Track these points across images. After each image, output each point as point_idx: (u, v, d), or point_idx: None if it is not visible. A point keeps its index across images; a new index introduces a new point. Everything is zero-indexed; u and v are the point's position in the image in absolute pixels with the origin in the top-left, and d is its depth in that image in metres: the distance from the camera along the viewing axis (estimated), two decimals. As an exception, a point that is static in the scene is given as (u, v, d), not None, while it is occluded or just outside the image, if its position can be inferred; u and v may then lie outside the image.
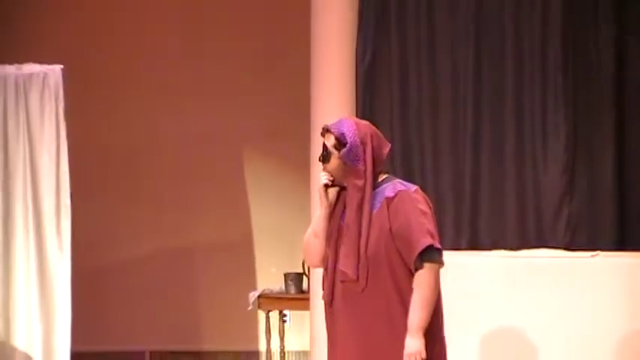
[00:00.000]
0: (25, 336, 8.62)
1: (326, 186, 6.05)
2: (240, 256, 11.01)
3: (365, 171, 6.02)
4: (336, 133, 6.06)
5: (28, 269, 8.62)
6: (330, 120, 8.73)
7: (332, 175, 6.06)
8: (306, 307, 9.22)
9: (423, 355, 5.92)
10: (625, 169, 8.54)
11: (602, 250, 8.24)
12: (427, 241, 5.86)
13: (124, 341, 10.98)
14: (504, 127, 8.66)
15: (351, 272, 5.91)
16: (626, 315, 7.77)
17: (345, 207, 6.04)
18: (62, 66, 8.75)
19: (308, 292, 9.34)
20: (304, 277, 9.84)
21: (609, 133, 8.54)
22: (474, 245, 8.54)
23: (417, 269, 5.90)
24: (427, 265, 5.90)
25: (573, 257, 8.09)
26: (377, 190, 6.02)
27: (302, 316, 9.67)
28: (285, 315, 10.27)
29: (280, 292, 10.14)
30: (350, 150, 6.03)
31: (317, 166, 8.86)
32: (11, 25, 10.90)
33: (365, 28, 8.84)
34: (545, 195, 8.60)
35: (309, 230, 6.14)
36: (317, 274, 8.29)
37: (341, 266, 5.95)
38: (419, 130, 8.73)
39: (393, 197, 5.98)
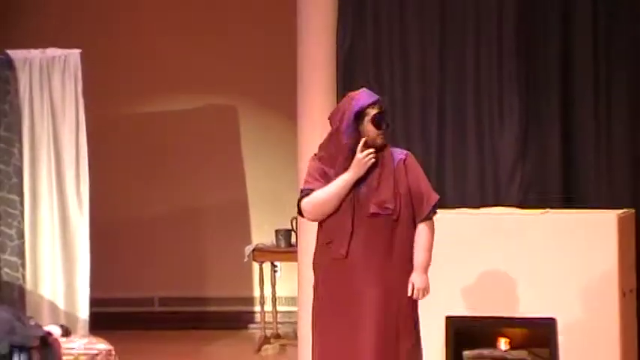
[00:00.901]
0: (50, 285, 8.65)
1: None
2: (237, 215, 11.02)
3: None
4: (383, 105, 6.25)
5: (53, 227, 8.65)
6: (316, 93, 8.83)
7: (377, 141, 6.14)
8: (295, 259, 9.22)
9: (429, 290, 6.06)
10: (570, 138, 8.52)
11: (551, 208, 8.25)
12: (436, 196, 6.25)
13: (137, 288, 11.00)
14: (466, 105, 8.63)
15: (391, 205, 6.06)
16: (571, 262, 7.79)
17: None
18: (80, 50, 8.73)
19: (296, 245, 9.36)
20: (293, 232, 9.85)
21: (556, 107, 8.51)
22: (442, 205, 8.55)
23: (427, 218, 6.18)
24: (432, 216, 6.21)
25: (526, 214, 8.10)
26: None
27: (291, 267, 9.66)
28: (276, 266, 10.27)
29: (272, 246, 10.14)
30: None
31: (304, 136, 8.94)
32: (34, 12, 10.86)
33: (343, 19, 8.82)
34: (501, 161, 8.58)
35: (323, 192, 6.11)
36: (305, 230, 8.32)
37: (378, 203, 6.05)
38: (392, 106, 8.71)
39: (405, 158, 6.20)
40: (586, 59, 8.44)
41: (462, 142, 8.66)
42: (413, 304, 6.19)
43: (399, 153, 6.28)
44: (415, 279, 6.16)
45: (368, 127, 6.15)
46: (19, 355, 3.38)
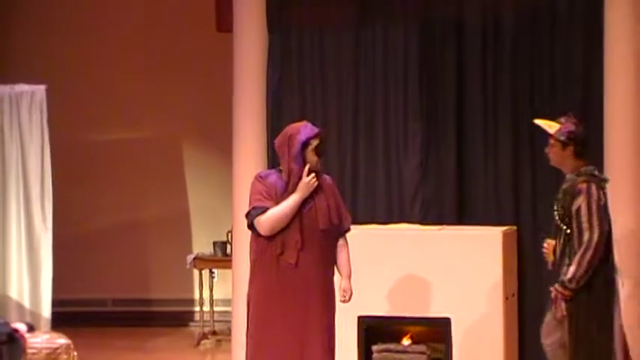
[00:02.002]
0: (17, 287, 8.55)
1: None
2: (180, 228, 10.96)
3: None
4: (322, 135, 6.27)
5: (20, 238, 8.56)
6: (247, 124, 8.81)
7: (317, 167, 6.21)
8: (229, 267, 9.19)
9: (350, 293, 6.32)
10: (463, 165, 8.56)
11: (446, 224, 8.30)
12: (350, 218, 6.43)
13: (92, 290, 10.90)
14: (376, 134, 8.64)
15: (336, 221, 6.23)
16: (463, 271, 7.84)
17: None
18: (45, 86, 8.66)
19: (231, 255, 9.33)
20: (228, 244, 9.82)
21: (452, 138, 8.53)
22: (354, 221, 8.55)
23: (345, 233, 6.31)
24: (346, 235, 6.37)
25: (426, 230, 8.15)
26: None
27: (226, 273, 9.64)
28: (213, 272, 10.23)
29: (210, 256, 10.08)
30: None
31: (238, 158, 8.91)
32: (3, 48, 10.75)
33: (273, 60, 8.82)
34: (406, 183, 8.59)
35: (278, 210, 6.12)
36: (238, 242, 8.29)
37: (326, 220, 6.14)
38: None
39: (332, 183, 6.34)
40: (477, 100, 8.47)
41: (373, 166, 8.67)
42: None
43: (327, 178, 6.34)
44: (347, 286, 6.26)
45: (310, 156, 6.17)
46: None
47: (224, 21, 9.27)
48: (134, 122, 10.99)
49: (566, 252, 6.26)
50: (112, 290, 10.94)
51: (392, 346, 7.92)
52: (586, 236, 6.10)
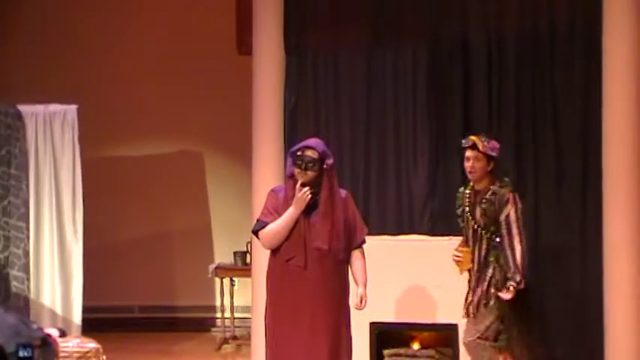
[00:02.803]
0: (49, 295, 8.55)
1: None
2: (202, 239, 10.97)
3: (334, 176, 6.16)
4: (319, 149, 6.08)
5: (53, 248, 8.56)
6: (265, 140, 8.84)
7: (311, 181, 6.03)
8: (249, 275, 9.21)
9: (365, 300, 6.26)
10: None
11: (454, 235, 8.30)
12: (366, 229, 6.34)
13: (121, 298, 10.90)
14: (387, 150, 8.66)
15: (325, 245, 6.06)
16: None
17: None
18: (77, 105, 8.70)
19: (250, 264, 9.35)
20: (248, 254, 9.84)
21: (459, 153, 8.57)
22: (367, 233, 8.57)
23: (359, 246, 6.22)
24: (363, 246, 6.31)
25: (434, 241, 8.16)
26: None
27: (246, 282, 9.66)
28: (234, 281, 10.24)
29: (230, 265, 10.11)
30: (333, 162, 6.08)
31: (258, 176, 8.95)
32: (40, 69, 10.81)
33: (290, 81, 8.86)
34: (415, 197, 8.59)
35: (275, 225, 6.10)
36: (257, 252, 8.33)
37: (318, 243, 6.04)
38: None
39: (345, 197, 6.20)
40: (482, 116, 8.48)
41: (384, 182, 8.67)
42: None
43: (343, 193, 6.30)
44: (362, 293, 6.22)
45: (300, 174, 6.14)
46: (24, 350, 3.38)
47: (244, 44, 9.32)
48: (159, 139, 11.03)
49: (489, 258, 6.40)
50: (138, 297, 10.95)
51: (402, 350, 7.92)
52: (517, 239, 6.43)
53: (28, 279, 8.42)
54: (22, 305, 8.32)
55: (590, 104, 8.21)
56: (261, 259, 7.75)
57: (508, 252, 6.45)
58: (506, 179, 6.75)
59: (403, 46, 8.62)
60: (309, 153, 6.11)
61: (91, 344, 7.46)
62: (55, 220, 8.55)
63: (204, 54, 10.71)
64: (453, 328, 7.73)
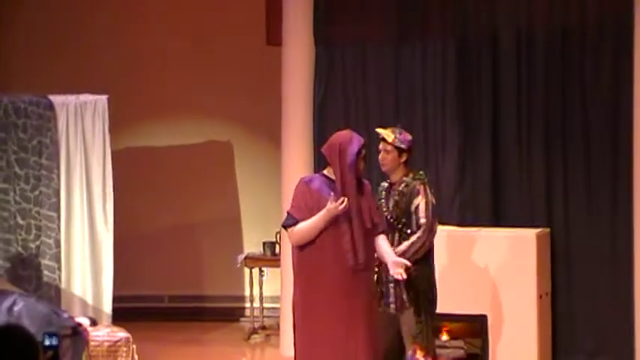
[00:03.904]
0: (80, 284, 8.56)
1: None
2: (232, 229, 10.96)
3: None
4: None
5: (83, 238, 8.57)
6: (294, 130, 8.84)
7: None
8: (278, 265, 9.24)
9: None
10: (498, 171, 8.55)
11: (483, 226, 8.27)
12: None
13: (150, 287, 10.91)
14: (415, 142, 8.62)
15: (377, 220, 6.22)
16: (499, 270, 7.81)
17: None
18: (107, 95, 8.70)
19: (279, 254, 9.35)
20: (277, 244, 9.83)
21: (487, 144, 8.53)
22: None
23: (381, 233, 6.25)
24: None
25: (464, 231, 8.13)
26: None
27: (275, 272, 9.66)
28: (262, 271, 10.22)
29: (260, 255, 10.07)
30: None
31: (287, 166, 8.94)
32: (70, 60, 10.83)
33: (319, 72, 8.85)
34: (444, 188, 8.58)
35: (306, 226, 6.08)
36: (286, 242, 8.27)
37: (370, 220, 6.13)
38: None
39: (369, 189, 6.31)
40: (511, 106, 8.47)
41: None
42: None
43: (366, 183, 6.31)
44: (399, 261, 6.20)
45: (360, 164, 6.15)
46: (50, 338, 3.37)
47: (274, 35, 9.31)
48: (188, 129, 11.02)
49: None
50: (168, 287, 10.96)
51: (431, 341, 7.89)
52: (423, 226, 6.50)
53: (59, 268, 8.44)
54: (53, 294, 8.34)
55: (620, 101, 8.14)
56: (290, 250, 7.72)
57: (415, 234, 6.46)
58: (421, 172, 6.70)
59: (431, 39, 8.60)
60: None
61: (121, 333, 7.48)
62: (85, 210, 8.55)
63: (234, 44, 10.69)
64: (483, 319, 7.71)
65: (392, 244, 6.45)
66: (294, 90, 8.88)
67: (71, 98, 8.61)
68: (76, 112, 8.58)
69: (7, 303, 7.20)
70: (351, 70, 8.79)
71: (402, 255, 6.38)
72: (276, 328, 9.70)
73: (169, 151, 11.05)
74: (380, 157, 6.68)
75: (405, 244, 6.49)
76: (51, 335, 3.57)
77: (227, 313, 10.73)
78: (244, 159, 11.08)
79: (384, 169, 6.69)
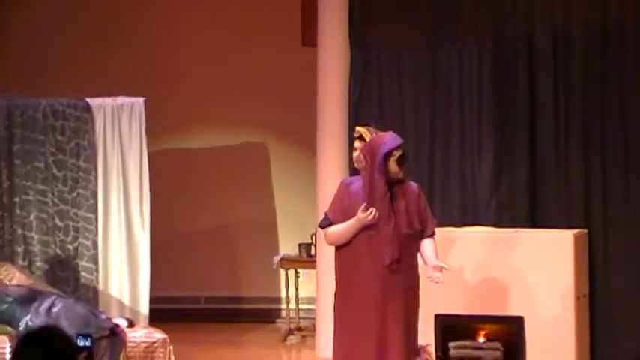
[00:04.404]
0: (118, 286, 8.56)
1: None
2: (268, 231, 10.95)
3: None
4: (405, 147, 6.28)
5: (121, 240, 8.57)
6: (330, 132, 8.84)
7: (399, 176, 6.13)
8: (313, 267, 9.23)
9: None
10: (534, 172, 8.50)
11: (519, 227, 8.22)
12: (436, 222, 6.32)
13: (187, 289, 10.93)
14: (451, 143, 8.63)
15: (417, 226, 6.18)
16: (536, 272, 7.76)
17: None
18: (144, 98, 8.72)
19: (315, 256, 9.34)
20: (312, 246, 9.82)
21: (524, 147, 8.49)
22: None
23: (431, 236, 6.22)
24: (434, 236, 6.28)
25: (500, 232, 8.09)
26: (405, 184, 6.16)
27: (310, 273, 9.65)
28: (298, 272, 10.19)
29: (295, 256, 10.05)
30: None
31: (322, 168, 8.93)
32: (107, 62, 10.88)
33: (354, 74, 8.83)
34: (480, 189, 8.55)
35: (339, 231, 6.11)
36: (323, 245, 8.28)
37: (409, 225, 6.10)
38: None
39: (418, 192, 6.28)
40: (548, 108, 8.42)
41: (448, 175, 8.63)
42: None
43: (412, 185, 6.28)
44: (436, 264, 6.18)
45: (392, 166, 6.12)
46: (84, 339, 3.39)
47: (309, 36, 9.31)
48: (224, 131, 11.04)
49: None
50: (204, 288, 10.98)
51: (467, 342, 7.87)
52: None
53: (97, 270, 8.46)
54: (91, 296, 8.36)
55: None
56: (325, 251, 7.74)
57: None
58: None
59: (467, 41, 8.57)
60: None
61: (158, 334, 7.51)
62: (122, 212, 8.57)
63: (269, 46, 10.70)
64: (520, 320, 7.66)
65: None
66: (329, 92, 8.88)
67: (108, 100, 8.63)
68: (113, 115, 8.59)
69: (46, 304, 7.25)
70: (387, 73, 8.77)
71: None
72: (312, 330, 9.69)
73: (205, 153, 11.07)
74: (355, 155, 6.60)
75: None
76: (85, 336, 3.59)
77: (263, 315, 10.73)
78: (280, 160, 11.08)
79: (359, 167, 6.61)
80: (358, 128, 6.73)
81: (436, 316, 7.77)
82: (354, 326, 6.11)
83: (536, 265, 7.72)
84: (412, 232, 6.14)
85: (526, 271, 7.73)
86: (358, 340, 6.09)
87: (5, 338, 7.21)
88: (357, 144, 6.62)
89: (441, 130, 8.61)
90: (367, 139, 6.51)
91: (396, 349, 6.04)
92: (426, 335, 7.59)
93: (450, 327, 7.85)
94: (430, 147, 8.66)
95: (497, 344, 7.81)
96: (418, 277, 6.27)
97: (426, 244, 6.25)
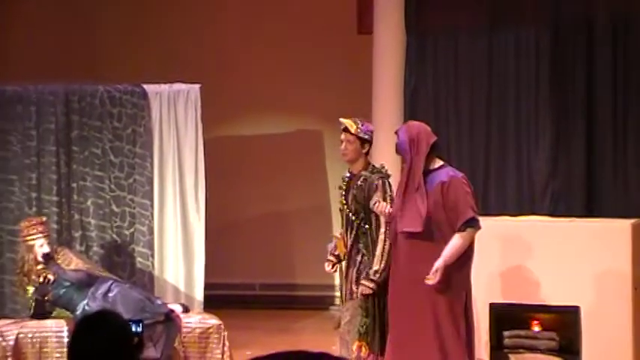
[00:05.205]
0: (173, 271, 8.62)
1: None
2: (321, 218, 10.96)
3: (410, 159, 5.96)
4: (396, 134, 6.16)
5: (176, 226, 8.63)
6: (385, 120, 8.81)
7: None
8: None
9: (439, 275, 5.91)
10: (592, 159, 8.42)
11: (576, 216, 8.15)
12: (470, 214, 5.93)
13: (242, 275, 10.99)
14: (507, 130, 8.58)
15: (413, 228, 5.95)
16: (592, 261, 7.68)
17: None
18: (200, 85, 8.75)
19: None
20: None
21: (582, 133, 8.42)
22: (486, 212, 8.47)
23: (459, 231, 5.93)
24: (468, 230, 5.95)
25: (556, 222, 8.01)
26: (433, 173, 5.96)
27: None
28: (352, 259, 10.22)
29: (350, 243, 10.09)
30: (399, 146, 6.02)
31: (377, 155, 8.89)
32: (162, 49, 10.94)
33: (410, 61, 8.80)
34: (536, 177, 8.50)
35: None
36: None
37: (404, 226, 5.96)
38: (447, 131, 8.67)
39: (447, 181, 5.94)
40: (606, 95, 8.35)
41: (504, 163, 8.59)
42: None
43: (445, 176, 6.02)
44: (438, 265, 5.94)
45: (430, 157, 6.05)
46: (136, 325, 3.41)
47: (364, 24, 9.29)
48: (279, 118, 11.07)
49: (359, 244, 6.26)
50: (259, 275, 11.03)
51: (522, 332, 7.80)
52: (383, 228, 6.16)
53: (153, 255, 8.53)
54: (147, 281, 8.43)
55: None
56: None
57: (377, 243, 6.25)
58: (378, 165, 6.46)
59: (524, 26, 8.50)
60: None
61: (213, 320, 7.55)
62: (178, 198, 8.62)
63: (325, 33, 10.70)
64: (575, 310, 7.58)
65: (350, 239, 6.34)
66: (384, 79, 8.86)
67: (164, 87, 8.68)
68: (169, 101, 8.64)
69: (102, 289, 7.33)
70: (443, 59, 8.73)
71: (377, 263, 6.23)
72: (365, 317, 9.67)
73: (260, 141, 11.11)
74: (342, 147, 6.52)
75: (378, 251, 6.23)
76: (136, 322, 3.61)
77: (318, 302, 10.75)
78: (334, 148, 10.98)
79: (345, 159, 6.55)
80: (342, 120, 6.63)
81: (491, 305, 7.71)
82: (391, 321, 6.18)
83: (592, 254, 7.63)
84: (415, 231, 5.95)
85: (582, 261, 7.64)
86: (395, 334, 6.13)
87: (63, 322, 7.30)
88: (342, 136, 6.51)
89: (497, 118, 8.55)
90: (352, 131, 6.44)
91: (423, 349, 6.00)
92: (481, 324, 7.56)
93: (505, 316, 7.79)
94: (486, 135, 8.62)
95: (553, 334, 7.74)
96: (452, 276, 6.02)
97: (451, 240, 5.98)
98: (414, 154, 5.99)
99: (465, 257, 6.07)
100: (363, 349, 6.37)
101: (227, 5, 11.05)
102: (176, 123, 8.64)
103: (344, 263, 6.57)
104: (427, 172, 5.99)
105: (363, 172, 6.40)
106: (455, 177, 6.02)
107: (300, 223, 11.00)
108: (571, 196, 8.40)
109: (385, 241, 6.22)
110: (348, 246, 6.42)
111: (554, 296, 7.66)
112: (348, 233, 6.39)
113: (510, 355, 7.75)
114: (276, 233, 11.00)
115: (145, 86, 8.67)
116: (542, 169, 8.44)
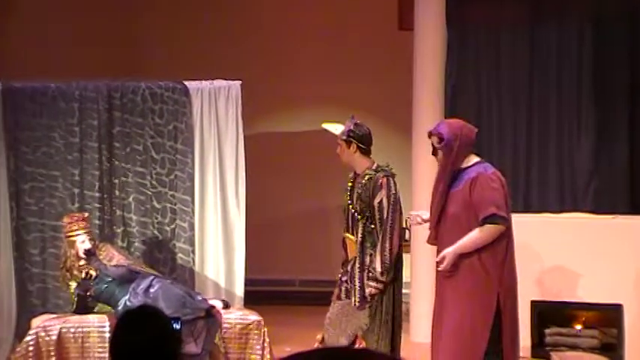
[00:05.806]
0: (213, 267, 8.64)
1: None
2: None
3: (455, 156, 5.92)
4: (436, 133, 6.02)
5: (217, 222, 8.65)
6: (426, 116, 8.78)
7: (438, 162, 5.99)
8: (408, 251, 9.18)
9: (447, 261, 5.92)
10: (636, 154, 8.34)
11: (619, 214, 8.07)
12: (491, 210, 5.82)
13: (281, 271, 11.01)
14: (549, 126, 8.52)
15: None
16: (635, 259, 7.61)
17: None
18: (241, 81, 8.76)
19: (409, 240, 9.30)
20: (407, 230, 9.76)
21: (625, 128, 8.35)
22: (527, 209, 8.44)
23: (482, 223, 5.91)
24: (488, 225, 5.88)
25: (599, 219, 7.95)
26: (466, 171, 5.94)
27: (405, 258, 9.58)
28: (393, 256, 10.19)
29: (390, 240, 10.07)
30: (445, 144, 5.98)
31: (418, 152, 8.88)
32: (204, 46, 10.98)
33: (451, 56, 8.76)
34: (578, 173, 8.43)
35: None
36: (416, 229, 8.25)
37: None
38: (488, 127, 8.63)
39: (475, 178, 5.90)
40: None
41: (546, 159, 8.52)
42: None
43: (474, 172, 5.97)
44: (446, 253, 5.98)
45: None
46: (174, 323, 3.42)
47: (405, 20, 9.26)
48: (319, 114, 11.02)
49: (365, 243, 6.21)
50: (299, 271, 11.04)
51: (564, 330, 7.77)
52: (388, 228, 6.19)
53: (193, 251, 8.56)
54: (188, 277, 8.46)
55: None
56: (419, 236, 7.69)
57: (379, 242, 6.18)
58: (383, 164, 6.39)
59: (567, 20, 8.43)
60: (431, 139, 6.16)
61: (253, 316, 7.56)
62: (219, 195, 8.64)
63: (365, 29, 10.68)
64: (618, 308, 7.52)
65: (357, 239, 6.30)
66: (425, 75, 8.82)
67: (205, 84, 8.69)
68: (210, 98, 8.65)
69: (144, 285, 7.36)
70: (484, 54, 8.68)
71: (382, 264, 6.24)
72: (406, 314, 9.64)
73: (300, 137, 11.11)
74: (337, 150, 6.53)
75: (379, 264, 6.25)
76: (175, 319, 3.64)
77: (357, 298, 10.73)
78: (375, 144, 11.02)
79: (343, 163, 6.55)
80: (324, 125, 6.65)
81: (532, 302, 7.68)
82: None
83: (635, 252, 7.56)
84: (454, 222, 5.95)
85: (625, 258, 7.58)
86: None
87: (105, 317, 7.35)
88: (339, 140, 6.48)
89: (539, 114, 8.50)
90: (337, 135, 6.44)
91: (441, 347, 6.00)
92: (523, 321, 7.51)
93: (546, 313, 7.75)
94: (528, 131, 8.56)
95: (595, 332, 7.69)
96: (479, 278, 5.97)
97: (471, 232, 5.94)
98: (457, 151, 5.95)
99: (493, 258, 5.94)
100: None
101: (268, 3, 11.06)
102: (217, 119, 8.65)
103: (350, 262, 6.52)
104: (460, 170, 5.94)
105: (368, 171, 6.39)
106: (483, 173, 5.97)
107: (340, 219, 10.97)
108: (614, 192, 8.33)
109: (391, 240, 6.17)
110: (358, 246, 6.39)
111: (596, 294, 7.61)
112: (355, 234, 6.37)
113: (552, 353, 7.71)
114: (317, 229, 11.00)
115: (187, 83, 8.69)
116: (585, 164, 8.38)
